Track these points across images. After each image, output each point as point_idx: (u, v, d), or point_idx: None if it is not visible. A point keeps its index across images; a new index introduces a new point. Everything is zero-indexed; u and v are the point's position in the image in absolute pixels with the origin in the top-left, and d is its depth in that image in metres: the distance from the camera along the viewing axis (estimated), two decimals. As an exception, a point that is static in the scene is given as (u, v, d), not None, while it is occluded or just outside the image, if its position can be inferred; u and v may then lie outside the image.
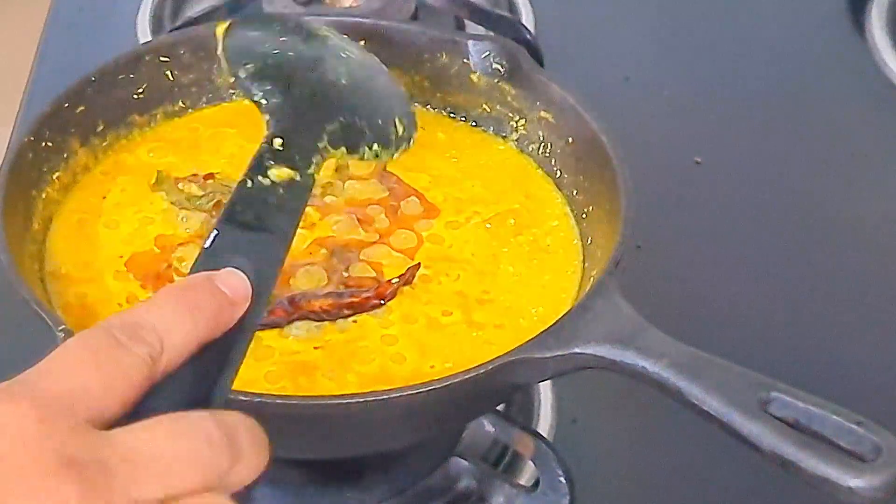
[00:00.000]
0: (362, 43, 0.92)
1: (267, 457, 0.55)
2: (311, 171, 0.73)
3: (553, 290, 0.84)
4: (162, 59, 0.93)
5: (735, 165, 1.15)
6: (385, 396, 0.72)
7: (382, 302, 0.82)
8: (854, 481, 0.67)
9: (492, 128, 0.94)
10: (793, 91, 1.23)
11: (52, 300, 0.81)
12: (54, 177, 0.87)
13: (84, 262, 0.84)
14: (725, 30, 1.30)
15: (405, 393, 0.72)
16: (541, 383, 0.93)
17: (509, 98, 0.93)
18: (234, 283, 0.60)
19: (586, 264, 0.86)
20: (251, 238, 0.66)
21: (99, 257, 0.85)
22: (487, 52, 0.93)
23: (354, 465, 0.87)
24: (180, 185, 0.89)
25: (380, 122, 0.83)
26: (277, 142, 0.73)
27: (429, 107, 0.96)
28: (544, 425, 0.92)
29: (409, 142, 0.84)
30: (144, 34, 1.22)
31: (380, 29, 0.95)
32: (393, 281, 0.83)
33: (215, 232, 0.65)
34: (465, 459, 0.88)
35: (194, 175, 0.90)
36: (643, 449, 0.93)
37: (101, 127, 0.90)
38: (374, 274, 0.84)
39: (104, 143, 0.91)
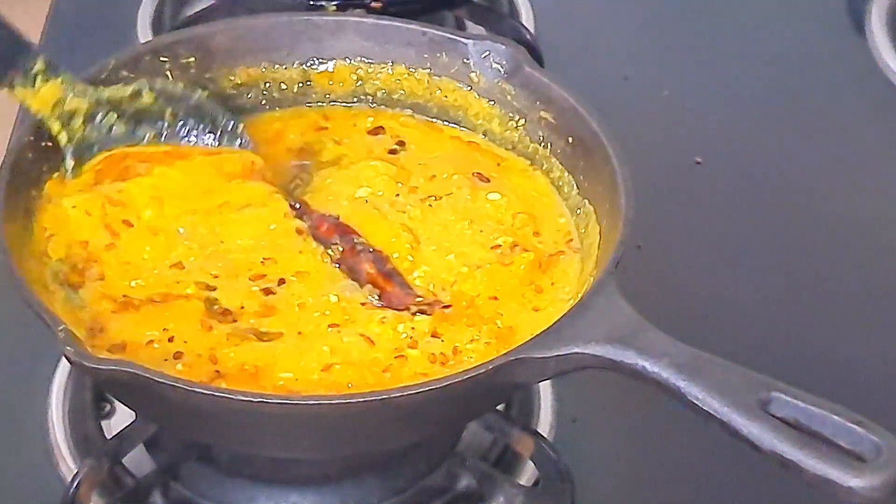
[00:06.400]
0: (363, 43, 0.93)
1: None
2: None
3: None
4: (162, 59, 0.93)
5: (735, 165, 1.15)
6: (385, 396, 0.72)
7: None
8: (854, 481, 0.67)
9: (492, 127, 0.95)
10: (793, 91, 1.23)
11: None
12: (54, 177, 0.87)
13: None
14: (725, 30, 1.30)
15: (405, 393, 0.72)
16: (541, 383, 0.93)
17: (509, 98, 0.93)
18: None
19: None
20: None
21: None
22: (487, 52, 0.93)
23: (354, 465, 0.87)
24: None
25: None
26: None
27: (428, 107, 0.95)
28: (544, 425, 0.92)
29: None
30: (145, 34, 1.22)
31: (380, 28, 0.95)
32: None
33: None
34: (465, 459, 0.88)
35: None
36: (643, 449, 0.93)
37: (101, 127, 0.90)
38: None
39: None
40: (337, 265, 0.84)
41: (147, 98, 0.88)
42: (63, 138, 0.85)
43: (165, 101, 0.88)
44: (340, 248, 0.85)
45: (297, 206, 0.87)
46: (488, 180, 0.91)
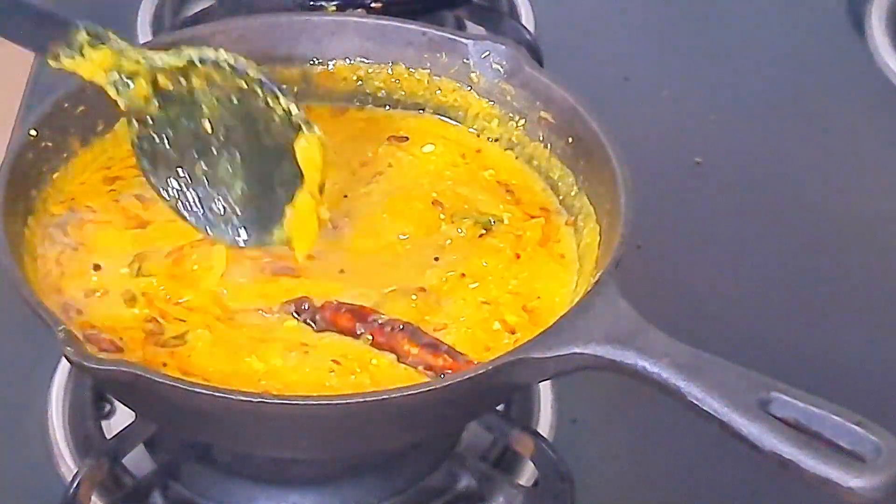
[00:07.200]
0: (363, 43, 0.94)
1: None
2: None
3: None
4: (162, 58, 0.93)
5: (735, 165, 1.15)
6: (385, 396, 0.72)
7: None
8: (854, 481, 0.67)
9: (491, 128, 0.95)
10: (793, 91, 1.23)
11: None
12: (54, 177, 0.87)
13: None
14: (725, 30, 1.30)
15: (405, 393, 0.72)
16: (541, 383, 0.93)
17: (509, 98, 0.93)
18: None
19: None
20: None
21: None
22: (487, 52, 0.93)
23: (354, 465, 0.87)
24: None
25: None
26: None
27: (428, 107, 0.95)
28: (544, 425, 0.92)
29: None
30: (145, 34, 1.22)
31: (380, 28, 0.95)
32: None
33: None
34: (465, 459, 0.88)
35: None
36: (643, 449, 0.93)
37: (101, 127, 0.90)
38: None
39: (104, 143, 0.91)
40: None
41: (196, 79, 0.83)
42: (122, 103, 0.84)
43: (214, 90, 0.83)
44: (369, 337, 0.79)
45: (301, 306, 0.82)
46: (406, 138, 0.92)
